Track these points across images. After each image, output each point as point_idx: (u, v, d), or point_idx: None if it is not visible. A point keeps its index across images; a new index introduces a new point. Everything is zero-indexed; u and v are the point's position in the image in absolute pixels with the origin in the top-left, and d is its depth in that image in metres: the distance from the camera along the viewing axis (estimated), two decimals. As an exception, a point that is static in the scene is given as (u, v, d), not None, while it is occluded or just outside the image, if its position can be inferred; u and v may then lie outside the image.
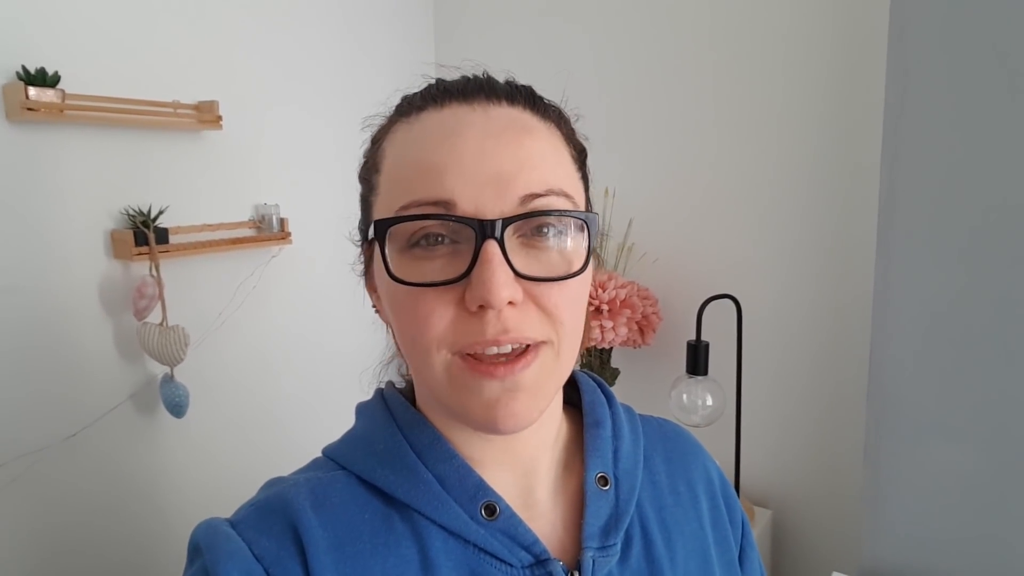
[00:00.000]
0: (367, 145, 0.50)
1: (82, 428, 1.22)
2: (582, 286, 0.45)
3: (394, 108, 0.48)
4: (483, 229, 0.40)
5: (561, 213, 0.42)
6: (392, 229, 0.42)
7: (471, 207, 0.40)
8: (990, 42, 0.91)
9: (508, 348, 0.41)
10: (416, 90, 0.48)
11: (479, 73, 0.48)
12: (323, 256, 1.63)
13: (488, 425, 0.42)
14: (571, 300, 0.43)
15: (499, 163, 0.41)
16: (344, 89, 1.67)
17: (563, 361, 0.44)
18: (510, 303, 0.40)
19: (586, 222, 0.43)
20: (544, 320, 0.42)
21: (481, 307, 0.40)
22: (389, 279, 0.42)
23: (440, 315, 0.41)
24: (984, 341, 0.97)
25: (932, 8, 0.95)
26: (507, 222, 0.40)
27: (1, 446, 1.13)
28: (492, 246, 0.40)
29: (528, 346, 0.42)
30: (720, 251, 1.51)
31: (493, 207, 0.41)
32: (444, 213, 0.41)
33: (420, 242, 0.42)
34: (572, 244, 0.43)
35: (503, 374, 0.41)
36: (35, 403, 1.17)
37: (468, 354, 0.42)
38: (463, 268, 0.40)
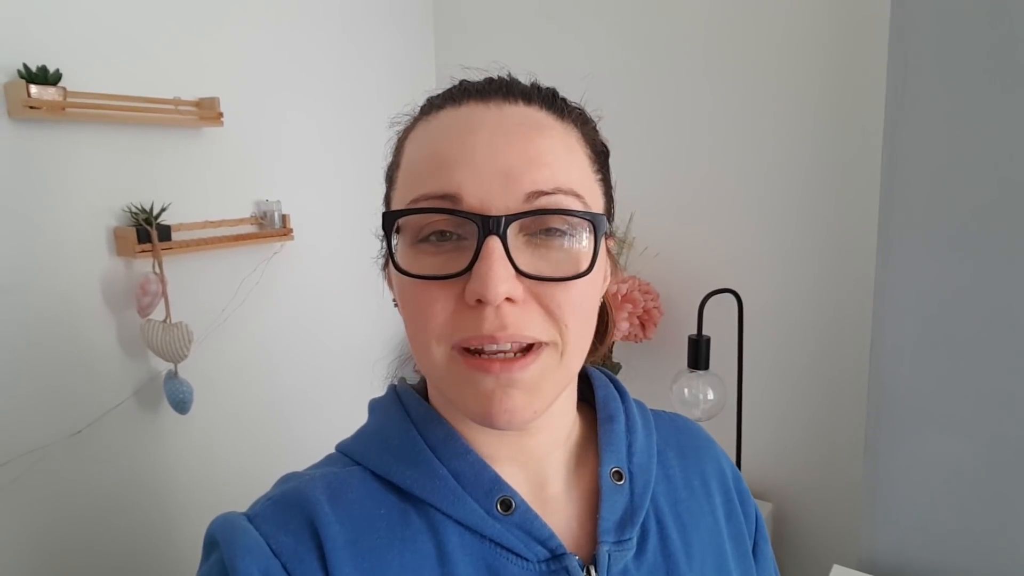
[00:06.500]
0: (392, 144, 0.50)
1: (86, 425, 1.23)
2: (590, 287, 0.44)
3: (419, 109, 0.49)
4: (486, 225, 0.40)
5: (566, 212, 0.42)
6: (403, 223, 0.43)
7: (476, 202, 0.41)
8: (991, 35, 0.92)
9: (508, 347, 0.41)
10: (440, 91, 0.49)
11: (503, 75, 0.48)
12: (325, 252, 1.63)
13: (484, 418, 0.42)
14: (576, 302, 0.43)
15: (507, 159, 0.42)
16: (345, 86, 1.66)
17: (568, 363, 0.44)
18: (510, 300, 0.40)
19: (593, 222, 0.43)
20: (547, 321, 0.42)
21: (479, 301, 0.40)
22: (396, 271, 0.43)
23: (441, 308, 0.42)
24: (984, 334, 0.98)
25: (933, 1, 0.95)
26: (511, 219, 0.40)
27: (5, 444, 1.13)
28: (494, 241, 0.40)
29: (531, 345, 0.42)
30: (721, 245, 1.52)
31: (499, 203, 0.41)
32: (449, 207, 0.41)
33: (430, 238, 0.43)
34: (578, 245, 0.43)
35: (499, 370, 0.41)
36: (39, 401, 1.17)
37: (466, 349, 0.42)
38: (466, 263, 0.41)
